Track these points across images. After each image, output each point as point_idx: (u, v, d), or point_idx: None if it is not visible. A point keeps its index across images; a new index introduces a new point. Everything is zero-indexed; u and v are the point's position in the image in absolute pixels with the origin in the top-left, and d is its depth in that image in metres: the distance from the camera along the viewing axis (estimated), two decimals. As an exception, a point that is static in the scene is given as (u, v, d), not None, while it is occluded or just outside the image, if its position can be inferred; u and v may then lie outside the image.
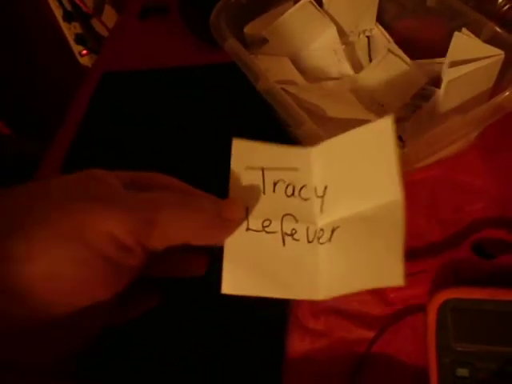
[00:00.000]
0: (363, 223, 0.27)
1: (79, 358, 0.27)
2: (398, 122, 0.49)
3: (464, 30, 0.48)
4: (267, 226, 0.28)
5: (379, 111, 0.50)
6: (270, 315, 0.45)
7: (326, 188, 0.29)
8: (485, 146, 0.54)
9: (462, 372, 0.35)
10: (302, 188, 0.29)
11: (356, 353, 0.43)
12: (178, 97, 0.69)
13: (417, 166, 0.51)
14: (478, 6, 0.53)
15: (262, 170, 0.29)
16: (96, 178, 0.26)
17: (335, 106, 0.50)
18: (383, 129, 0.29)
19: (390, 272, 0.26)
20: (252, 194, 0.28)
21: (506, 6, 0.53)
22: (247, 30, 0.58)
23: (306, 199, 0.29)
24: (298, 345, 0.44)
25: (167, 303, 0.32)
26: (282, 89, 0.51)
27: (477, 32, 0.48)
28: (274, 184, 0.29)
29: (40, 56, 1.17)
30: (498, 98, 0.43)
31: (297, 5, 0.55)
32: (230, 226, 0.27)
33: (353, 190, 0.28)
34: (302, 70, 0.58)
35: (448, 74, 0.46)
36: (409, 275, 0.44)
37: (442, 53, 0.50)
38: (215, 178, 0.55)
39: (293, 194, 0.29)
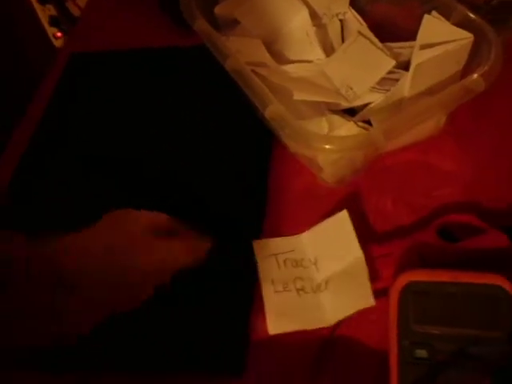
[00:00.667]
0: (344, 273, 0.44)
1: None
2: (367, 105, 0.49)
3: (434, 12, 0.48)
4: (286, 287, 0.45)
5: (349, 95, 0.50)
6: (236, 298, 0.45)
7: (316, 257, 0.46)
8: (456, 131, 0.54)
9: (421, 353, 0.35)
10: (301, 260, 0.46)
11: (321, 336, 0.43)
12: (148, 79, 0.67)
13: (387, 149, 0.51)
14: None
15: (275, 255, 0.47)
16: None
17: (304, 89, 0.49)
18: (343, 218, 0.46)
19: (364, 298, 0.42)
20: (273, 271, 0.46)
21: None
22: (217, 10, 0.57)
23: (306, 267, 0.46)
24: (262, 327, 0.44)
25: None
26: (252, 71, 0.51)
27: (447, 15, 0.48)
28: (284, 261, 0.46)
29: (13, 38, 1.14)
30: (466, 81, 0.43)
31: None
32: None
33: (332, 256, 0.45)
34: (274, 53, 0.57)
35: (416, 57, 0.46)
36: (375, 257, 0.45)
37: (415, 37, 0.50)
38: (188, 163, 0.56)
39: (297, 265, 0.46)
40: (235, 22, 0.57)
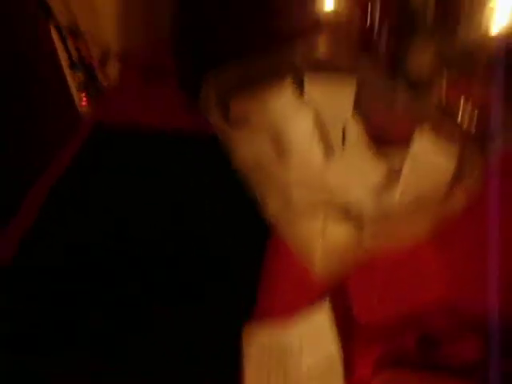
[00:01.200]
0: (318, 368, 0.46)
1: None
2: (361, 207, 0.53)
3: (425, 127, 0.53)
4: (269, 378, 0.46)
5: (343, 198, 0.54)
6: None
7: (300, 346, 0.48)
8: (442, 236, 0.57)
9: None
10: (286, 349, 0.48)
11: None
12: (162, 162, 0.72)
13: (375, 250, 0.54)
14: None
15: (262, 342, 0.48)
16: None
17: (304, 188, 0.53)
18: (324, 309, 0.48)
19: None
20: (258, 358, 0.47)
21: (466, 115, 0.59)
22: (231, 107, 0.62)
23: (290, 356, 0.47)
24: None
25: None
26: (257, 166, 0.55)
27: (437, 131, 0.53)
28: (269, 349, 0.48)
29: (41, 100, 1.21)
30: (450, 196, 0.47)
31: (277, 90, 0.59)
32: None
33: (311, 348, 0.47)
34: (280, 150, 0.62)
35: (407, 168, 0.50)
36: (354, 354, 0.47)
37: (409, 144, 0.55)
38: (186, 246, 0.59)
39: (282, 353, 0.48)
40: (247, 118, 0.63)
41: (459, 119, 0.61)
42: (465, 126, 0.61)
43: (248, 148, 0.61)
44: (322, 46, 0.66)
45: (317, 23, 0.70)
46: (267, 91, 0.61)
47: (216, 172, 0.65)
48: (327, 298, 0.49)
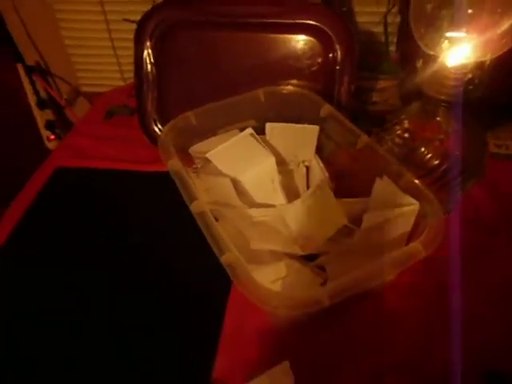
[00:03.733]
0: None
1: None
2: (322, 255, 0.52)
3: (385, 177, 0.52)
4: None
5: (304, 244, 0.53)
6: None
7: None
8: (404, 284, 0.56)
9: None
10: None
11: None
12: (125, 202, 0.71)
13: (337, 298, 0.53)
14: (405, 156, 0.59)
15: None
16: None
17: (263, 237, 0.52)
18: (284, 371, 0.46)
19: None
20: None
21: (427, 156, 0.58)
22: (191, 151, 0.61)
23: None
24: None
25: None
26: (217, 211, 0.54)
27: (396, 180, 0.52)
28: None
29: (8, 137, 1.19)
30: (408, 247, 0.46)
31: (240, 135, 0.59)
32: None
33: None
34: (241, 193, 0.61)
35: (367, 218, 0.49)
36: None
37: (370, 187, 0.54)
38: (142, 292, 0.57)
39: None
40: (208, 161, 0.61)
41: (422, 159, 0.61)
42: (427, 165, 0.60)
43: (209, 192, 0.59)
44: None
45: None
46: (228, 136, 0.60)
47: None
48: (287, 361, 0.47)
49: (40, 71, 1.21)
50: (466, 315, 0.52)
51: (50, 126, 1.26)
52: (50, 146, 1.28)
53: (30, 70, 1.19)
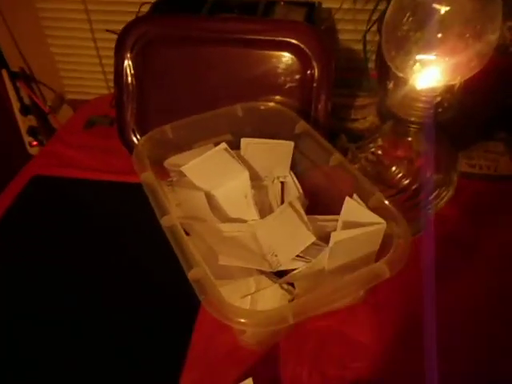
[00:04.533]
0: None
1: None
2: (291, 271, 0.52)
3: (355, 196, 0.53)
4: None
5: (273, 261, 0.53)
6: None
7: None
8: (375, 303, 0.56)
9: None
10: None
11: None
12: (104, 212, 0.71)
13: (305, 316, 0.53)
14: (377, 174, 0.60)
15: None
16: None
17: (232, 253, 0.52)
18: None
19: None
20: None
21: (399, 175, 0.59)
22: (166, 164, 0.61)
23: None
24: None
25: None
26: (188, 225, 0.54)
27: (366, 199, 0.53)
28: None
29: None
30: (374, 267, 0.46)
31: (213, 149, 0.59)
32: None
33: None
34: (215, 206, 0.61)
35: (335, 236, 0.49)
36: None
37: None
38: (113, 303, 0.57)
39: None
40: (182, 174, 0.62)
41: (393, 177, 0.62)
42: (398, 184, 0.61)
43: (182, 206, 0.59)
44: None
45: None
46: (203, 150, 0.60)
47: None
48: (250, 378, 0.47)
49: (24, 77, 1.21)
50: (439, 339, 0.52)
51: (32, 132, 1.25)
52: (32, 151, 1.27)
53: (14, 76, 1.19)
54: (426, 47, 0.51)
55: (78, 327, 0.56)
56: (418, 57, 0.51)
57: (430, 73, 0.51)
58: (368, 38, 0.82)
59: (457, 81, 0.52)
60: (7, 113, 1.23)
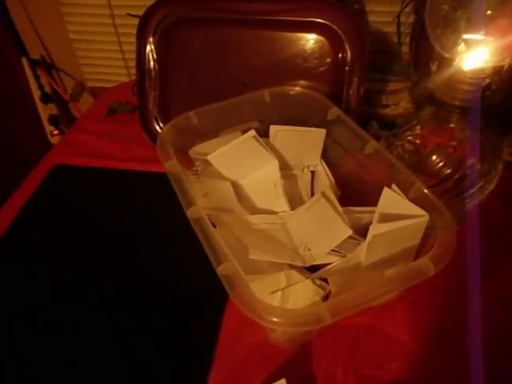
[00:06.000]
0: None
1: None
2: (324, 266, 0.49)
3: (394, 186, 0.49)
4: None
5: (306, 255, 0.50)
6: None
7: None
8: (412, 300, 0.53)
9: None
10: None
11: None
12: (127, 202, 0.69)
13: (340, 313, 0.50)
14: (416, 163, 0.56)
15: None
16: None
17: (262, 246, 0.49)
18: None
19: None
20: None
21: (440, 164, 0.55)
22: (191, 153, 0.59)
23: None
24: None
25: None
26: (215, 216, 0.51)
27: (406, 189, 0.49)
28: None
29: (11, 131, 1.18)
30: (418, 263, 0.43)
31: (241, 137, 0.56)
32: None
33: None
34: (243, 197, 0.58)
35: (373, 229, 0.46)
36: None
37: (380, 192, 0.51)
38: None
39: None
40: (208, 163, 0.59)
41: (434, 167, 0.58)
42: (439, 174, 0.57)
43: (208, 197, 0.57)
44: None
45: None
46: (230, 138, 0.57)
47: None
48: (283, 379, 0.44)
49: (45, 65, 1.19)
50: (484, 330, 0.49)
51: (53, 120, 1.24)
52: (54, 140, 1.26)
53: (34, 64, 1.17)
54: (474, 26, 0.47)
55: (102, 323, 0.54)
56: (465, 36, 0.47)
57: (477, 53, 0.47)
58: (401, 19, 0.78)
59: (506, 62, 0.48)
60: (28, 101, 1.22)
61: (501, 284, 0.56)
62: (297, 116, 0.61)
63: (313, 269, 0.51)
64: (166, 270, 0.59)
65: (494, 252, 0.58)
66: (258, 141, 0.56)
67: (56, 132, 1.24)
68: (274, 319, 0.39)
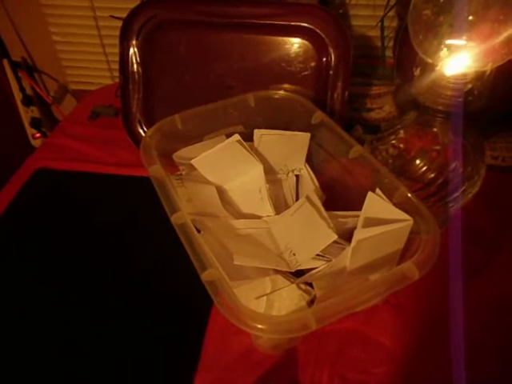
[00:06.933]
0: None
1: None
2: (309, 271, 0.49)
3: (378, 190, 0.49)
4: None
5: (291, 260, 0.50)
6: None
7: None
8: (397, 304, 0.53)
9: None
10: None
11: None
12: (109, 207, 0.68)
13: (325, 319, 0.50)
14: (400, 167, 0.56)
15: None
16: None
17: (247, 252, 0.49)
18: None
19: None
20: None
21: (423, 168, 0.56)
22: (175, 157, 0.58)
23: None
24: None
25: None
26: (199, 221, 0.51)
27: (390, 194, 0.49)
28: None
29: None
30: (402, 267, 0.43)
31: (226, 141, 0.55)
32: None
33: None
34: (227, 201, 0.58)
35: (358, 234, 0.46)
36: None
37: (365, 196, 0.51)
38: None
39: None
40: (193, 168, 0.58)
41: (417, 171, 0.58)
42: (423, 178, 0.58)
43: (192, 202, 0.56)
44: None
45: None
46: (214, 142, 0.57)
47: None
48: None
49: (26, 67, 1.17)
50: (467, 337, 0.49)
51: (35, 123, 1.22)
52: (36, 143, 1.24)
53: (15, 66, 1.15)
54: (456, 31, 0.47)
55: (86, 328, 0.53)
56: (448, 41, 0.47)
57: (459, 58, 0.47)
58: (385, 23, 0.78)
59: (488, 67, 0.48)
60: (9, 104, 1.20)
61: (485, 287, 0.56)
62: (281, 120, 0.61)
63: (298, 274, 0.51)
64: (150, 276, 0.58)
65: (477, 255, 0.59)
66: (242, 145, 0.56)
67: (38, 135, 1.22)
68: (259, 326, 0.39)
